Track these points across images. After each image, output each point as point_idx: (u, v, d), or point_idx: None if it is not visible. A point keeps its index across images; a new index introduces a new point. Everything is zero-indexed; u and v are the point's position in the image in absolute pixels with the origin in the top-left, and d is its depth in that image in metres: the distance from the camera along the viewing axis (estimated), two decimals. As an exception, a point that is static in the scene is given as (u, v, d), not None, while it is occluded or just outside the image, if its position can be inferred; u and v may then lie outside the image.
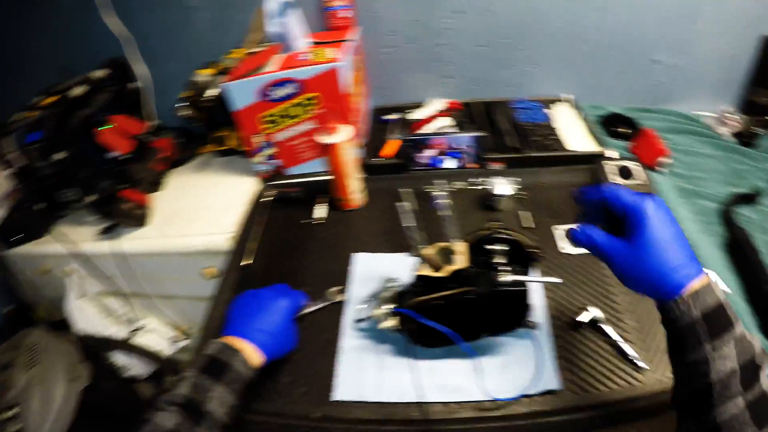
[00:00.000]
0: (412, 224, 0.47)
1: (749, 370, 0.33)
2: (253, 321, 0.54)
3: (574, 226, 0.42)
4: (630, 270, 0.39)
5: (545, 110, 0.96)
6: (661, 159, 0.84)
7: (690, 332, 0.35)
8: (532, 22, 0.90)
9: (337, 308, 0.64)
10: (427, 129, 0.90)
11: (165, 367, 1.17)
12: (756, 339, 0.35)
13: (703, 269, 0.38)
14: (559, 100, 0.98)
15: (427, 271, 0.51)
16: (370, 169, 0.85)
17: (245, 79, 0.77)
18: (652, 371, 0.53)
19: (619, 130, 0.94)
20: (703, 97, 1.00)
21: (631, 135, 0.92)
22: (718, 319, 0.35)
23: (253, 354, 0.51)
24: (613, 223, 0.40)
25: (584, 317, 0.58)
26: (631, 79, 0.98)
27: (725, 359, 0.34)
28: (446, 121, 0.91)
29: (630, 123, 0.95)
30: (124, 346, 1.09)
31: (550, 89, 0.99)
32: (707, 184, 0.83)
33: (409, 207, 0.47)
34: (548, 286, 0.63)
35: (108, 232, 0.94)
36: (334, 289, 0.61)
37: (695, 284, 0.36)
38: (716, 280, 0.39)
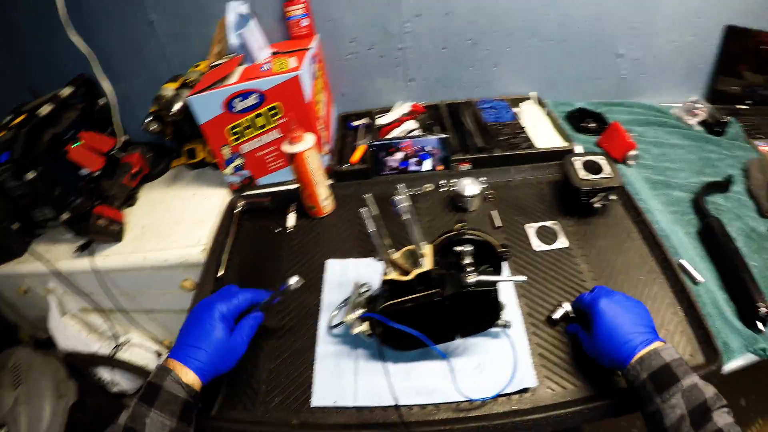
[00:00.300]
0: (375, 229, 0.48)
1: (698, 414, 0.41)
2: (185, 337, 0.51)
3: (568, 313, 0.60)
4: (593, 352, 0.51)
5: (512, 109, 0.97)
6: (629, 152, 0.85)
7: (642, 390, 0.45)
8: (492, 21, 0.91)
9: (312, 316, 0.65)
10: (394, 133, 0.91)
11: (151, 381, 1.17)
12: (709, 387, 0.43)
13: (657, 338, 0.48)
14: (525, 99, 0.99)
15: (394, 276, 0.51)
16: (339, 176, 0.86)
17: (208, 92, 0.77)
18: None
19: (586, 125, 0.95)
20: (669, 89, 1.01)
21: (599, 130, 0.93)
22: (664, 376, 0.44)
23: (186, 374, 0.48)
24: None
25: (558, 314, 0.59)
26: (595, 73, 0.99)
27: (674, 408, 0.42)
28: (413, 125, 0.91)
29: (597, 117, 0.96)
30: (109, 361, 1.09)
31: (514, 88, 1.00)
32: (678, 174, 0.84)
33: (372, 213, 0.48)
34: (520, 285, 0.64)
35: (83, 249, 0.94)
36: (294, 279, 0.56)
37: (641, 353, 0.46)
38: (668, 347, 0.47)
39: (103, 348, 1.11)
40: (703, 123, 0.97)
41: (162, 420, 0.45)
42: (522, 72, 0.98)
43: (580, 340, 0.54)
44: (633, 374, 0.46)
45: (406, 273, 0.51)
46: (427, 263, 0.51)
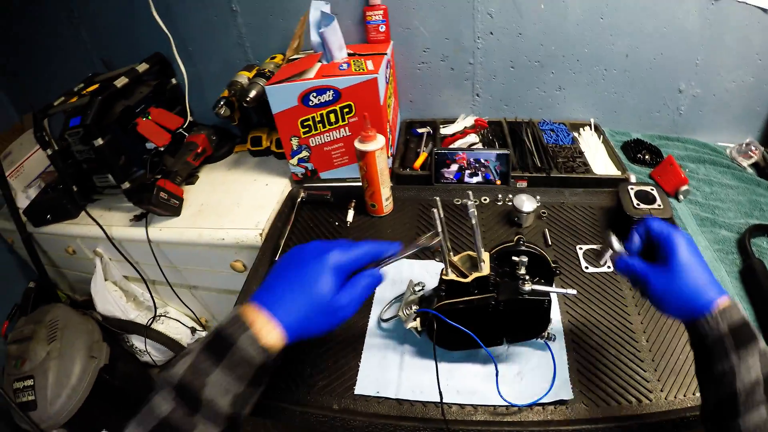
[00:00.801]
0: (443, 230, 0.50)
1: None
2: (279, 281, 0.42)
3: (617, 251, 0.48)
4: (665, 292, 0.43)
5: (571, 133, 0.99)
6: (681, 187, 0.86)
7: (718, 345, 0.39)
8: (561, 45, 0.93)
9: (364, 308, 0.66)
10: (456, 144, 0.93)
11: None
12: None
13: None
14: (584, 124, 1.01)
15: (454, 276, 0.53)
16: (399, 179, 0.89)
17: (288, 83, 0.80)
18: (662, 392, 0.55)
19: (642, 156, 0.96)
20: (725, 128, 1.02)
21: (653, 162, 0.95)
22: (744, 333, 0.38)
23: (269, 331, 0.38)
24: (647, 254, 0.46)
25: (605, 255, 0.51)
26: (654, 106, 1.01)
27: (750, 369, 0.36)
28: (474, 138, 0.94)
29: (652, 150, 0.98)
30: (144, 331, 1.12)
31: (575, 113, 1.02)
32: (726, 213, 0.85)
33: (440, 214, 0.50)
34: (567, 302, 0.65)
35: (140, 219, 0.97)
36: (428, 234, 0.51)
37: (722, 302, 0.40)
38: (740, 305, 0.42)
39: (139, 317, 1.15)
40: (755, 166, 0.97)
41: (227, 383, 0.36)
42: (584, 98, 1.00)
43: (640, 279, 0.44)
44: (711, 325, 0.39)
45: (463, 276, 0.53)
46: (485, 268, 0.53)
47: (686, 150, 1.00)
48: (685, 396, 0.54)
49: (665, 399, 0.54)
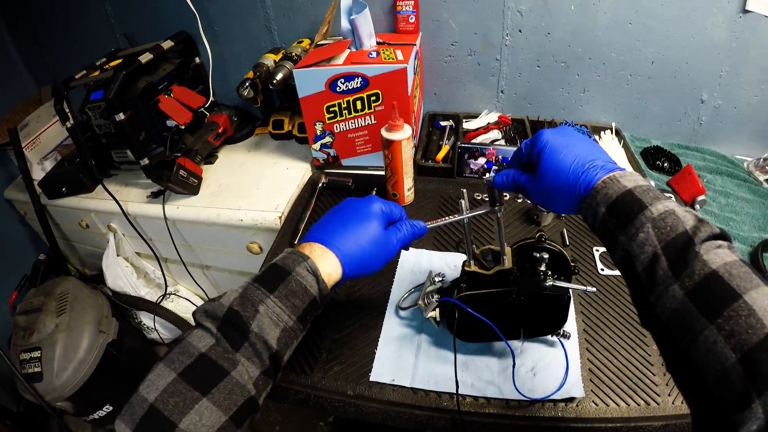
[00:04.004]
0: (469, 222, 0.50)
1: (677, 249, 0.29)
2: (331, 222, 0.42)
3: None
4: (541, 193, 0.41)
5: (593, 136, 1.00)
6: (698, 197, 0.87)
7: (603, 231, 0.34)
8: (588, 48, 0.93)
9: (382, 296, 0.67)
10: (478, 140, 0.94)
11: (188, 334, 1.21)
12: (691, 213, 0.31)
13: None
14: (605, 128, 1.01)
15: (476, 269, 0.54)
16: (421, 170, 0.89)
17: (316, 68, 0.80)
18: (669, 396, 0.55)
19: (661, 164, 0.97)
20: (744, 141, 1.02)
21: (671, 170, 0.95)
22: (625, 206, 0.33)
23: (327, 259, 0.39)
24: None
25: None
26: (676, 115, 1.01)
27: (643, 245, 0.30)
28: (497, 134, 0.94)
29: (671, 158, 0.98)
30: (154, 308, 1.13)
31: (597, 116, 1.03)
32: (740, 226, 0.85)
33: (468, 205, 0.50)
34: (582, 302, 0.66)
35: (157, 196, 0.98)
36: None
37: (596, 184, 0.35)
38: (632, 173, 0.36)
39: (150, 294, 1.15)
40: (771, 181, 0.98)
41: (280, 313, 0.35)
42: (607, 101, 1.00)
43: (518, 185, 0.43)
44: (590, 212, 0.35)
45: (485, 269, 0.53)
46: (507, 262, 0.53)
47: (704, 160, 1.01)
48: (692, 401, 0.55)
49: (672, 403, 0.54)
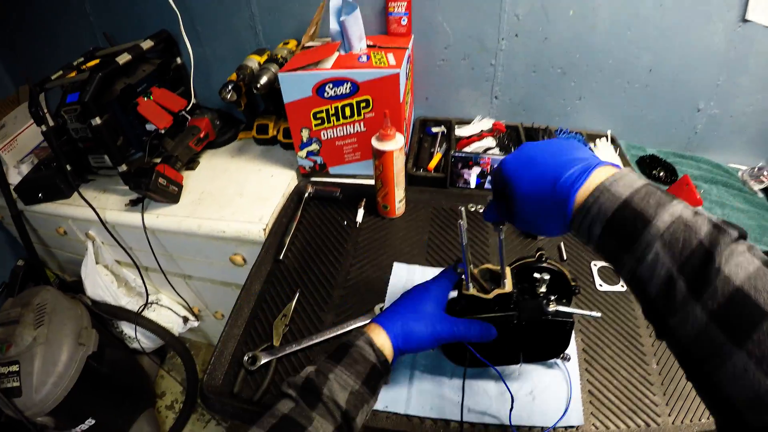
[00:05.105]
0: (467, 242, 0.48)
1: (696, 266, 0.26)
2: (390, 307, 0.50)
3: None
4: (526, 224, 0.39)
5: (588, 144, 0.97)
6: (695, 208, 0.85)
7: (604, 252, 0.31)
8: (585, 55, 0.91)
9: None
10: (471, 147, 0.91)
11: (171, 345, 1.17)
12: (703, 218, 0.28)
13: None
14: (600, 135, 0.99)
15: (475, 292, 0.51)
16: (412, 180, 0.86)
17: (303, 72, 0.76)
18: (669, 416, 0.54)
19: (656, 173, 0.95)
20: (738, 150, 1.01)
21: (667, 180, 0.94)
22: (626, 224, 0.29)
23: (378, 334, 0.46)
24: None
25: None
26: (672, 123, 0.99)
27: (655, 266, 0.27)
28: (491, 142, 0.91)
29: (667, 168, 0.97)
30: (135, 318, 1.09)
31: (592, 123, 1.00)
32: (736, 237, 0.84)
33: (466, 225, 0.48)
34: (580, 320, 0.64)
35: (136, 204, 0.93)
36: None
37: (582, 193, 0.31)
38: (622, 172, 0.32)
39: (130, 303, 1.11)
40: (765, 191, 0.97)
41: (346, 378, 0.42)
42: (603, 109, 0.98)
43: (504, 220, 0.43)
44: (583, 233, 0.32)
45: (484, 290, 0.51)
46: (508, 285, 0.51)
47: (700, 169, 0.99)
48: (692, 421, 0.53)
49: (672, 423, 0.53)
